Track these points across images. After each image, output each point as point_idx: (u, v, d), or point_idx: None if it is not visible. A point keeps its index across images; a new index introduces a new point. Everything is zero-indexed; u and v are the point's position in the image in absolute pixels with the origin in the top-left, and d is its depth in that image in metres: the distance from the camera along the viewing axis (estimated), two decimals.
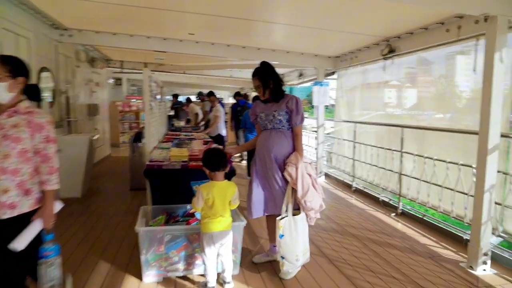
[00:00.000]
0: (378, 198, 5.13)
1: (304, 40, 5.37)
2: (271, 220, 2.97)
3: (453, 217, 3.72)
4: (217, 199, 2.47)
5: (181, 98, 11.55)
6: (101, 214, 4.34)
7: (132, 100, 12.59)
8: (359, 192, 5.69)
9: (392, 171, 4.79)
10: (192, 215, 3.02)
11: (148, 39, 5.59)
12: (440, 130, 4.23)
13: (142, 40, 5.56)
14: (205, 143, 4.94)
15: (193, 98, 11.95)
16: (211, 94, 7.55)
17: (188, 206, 3.09)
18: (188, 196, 3.13)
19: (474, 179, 3.36)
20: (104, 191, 5.57)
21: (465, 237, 3.57)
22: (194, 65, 9.00)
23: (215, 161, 2.53)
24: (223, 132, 7.17)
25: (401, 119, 5.59)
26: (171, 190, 3.13)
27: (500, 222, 3.31)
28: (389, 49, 4.72)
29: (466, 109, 4.42)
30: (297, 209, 2.76)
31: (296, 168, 2.66)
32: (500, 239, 3.36)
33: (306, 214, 2.75)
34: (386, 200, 4.96)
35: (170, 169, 3.16)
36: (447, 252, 3.43)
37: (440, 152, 4.24)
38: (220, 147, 3.15)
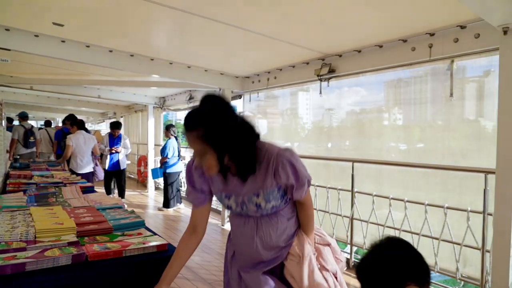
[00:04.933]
0: None
1: (211, 49, 4.16)
2: None
3: (437, 271, 3.05)
4: None
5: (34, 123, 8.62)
6: None
7: None
8: None
9: (339, 215, 3.95)
10: None
11: None
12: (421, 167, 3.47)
13: None
14: (85, 189, 3.15)
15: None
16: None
17: None
18: None
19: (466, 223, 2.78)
20: None
21: None
22: (48, 78, 6.67)
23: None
24: (85, 169, 5.34)
25: None
26: None
27: None
28: (329, 68, 4.00)
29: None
30: None
31: (301, 264, 1.45)
32: None
33: None
34: None
35: (46, 270, 1.38)
36: None
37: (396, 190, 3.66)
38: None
